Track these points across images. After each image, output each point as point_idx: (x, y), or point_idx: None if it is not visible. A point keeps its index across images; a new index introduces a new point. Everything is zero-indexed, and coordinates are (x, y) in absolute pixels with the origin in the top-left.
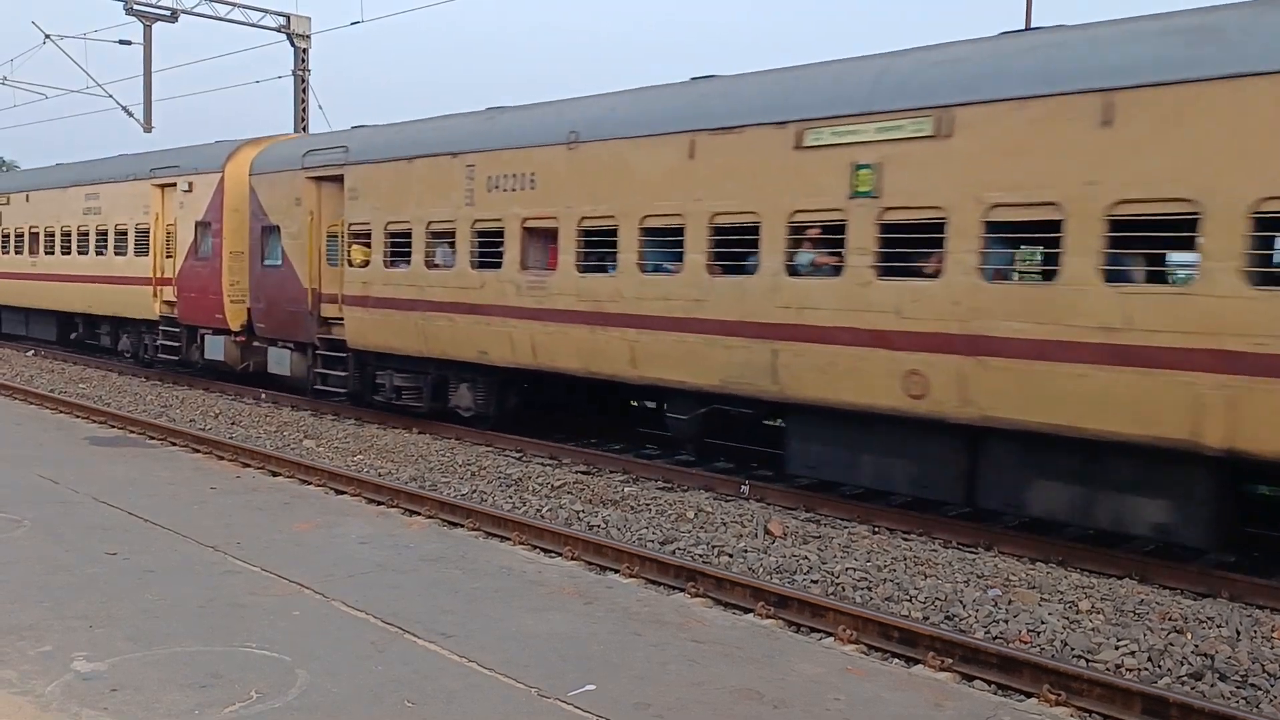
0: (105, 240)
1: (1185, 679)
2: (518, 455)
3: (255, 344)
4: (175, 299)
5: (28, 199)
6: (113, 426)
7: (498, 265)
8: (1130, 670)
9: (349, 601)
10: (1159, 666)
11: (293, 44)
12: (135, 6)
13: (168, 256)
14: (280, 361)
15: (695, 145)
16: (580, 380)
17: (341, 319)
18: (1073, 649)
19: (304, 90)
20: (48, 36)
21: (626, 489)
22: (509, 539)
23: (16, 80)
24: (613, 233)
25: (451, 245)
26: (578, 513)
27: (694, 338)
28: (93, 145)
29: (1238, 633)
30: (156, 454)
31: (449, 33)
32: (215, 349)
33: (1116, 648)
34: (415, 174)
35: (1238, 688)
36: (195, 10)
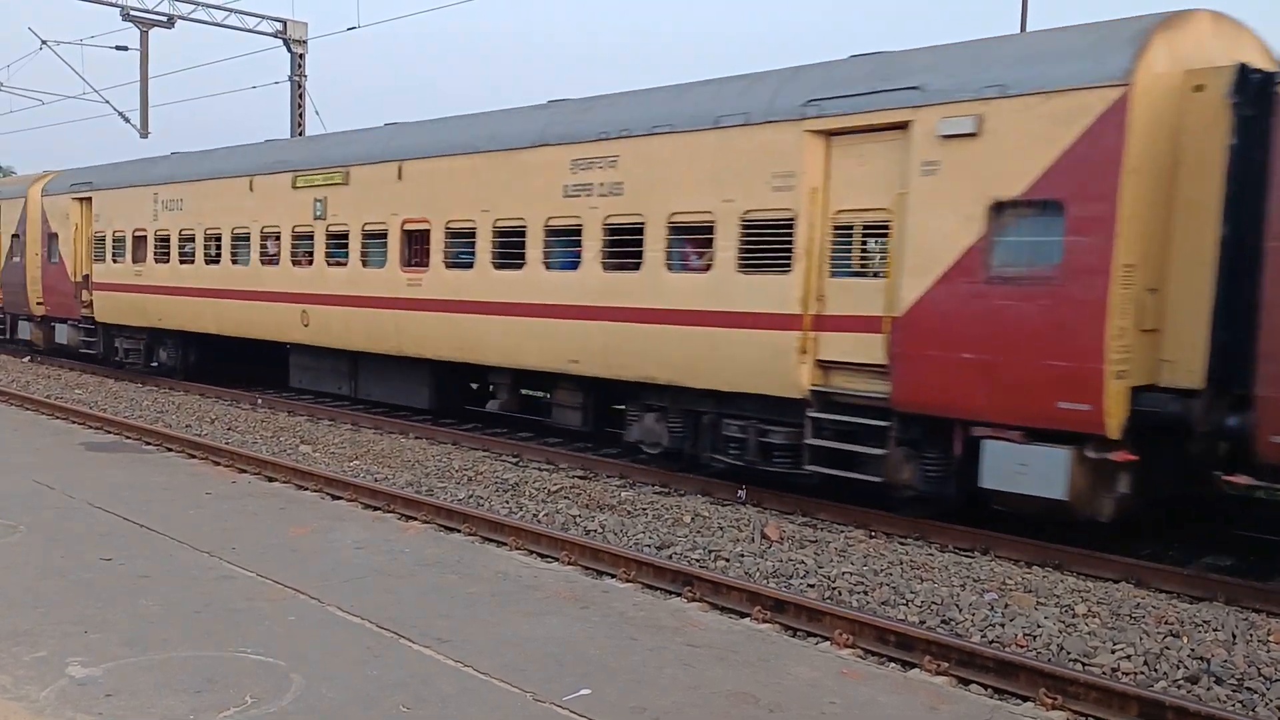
0: (636, 242)
1: (1181, 682)
2: (514, 460)
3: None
4: (887, 360)
5: (399, 174)
6: (109, 432)
7: None
8: (1126, 674)
9: (345, 606)
10: (1155, 670)
11: (289, 49)
12: (132, 12)
13: (836, 273)
14: None
15: None
16: None
17: None
18: (1069, 653)
19: (301, 95)
20: (44, 42)
21: (623, 493)
22: (505, 544)
23: (13, 86)
24: None
25: None
26: (574, 517)
27: None
28: (90, 150)
29: (1234, 636)
30: (152, 459)
31: (448, 35)
32: (1044, 477)
33: (1113, 651)
34: None
35: (1234, 691)
36: (191, 16)
